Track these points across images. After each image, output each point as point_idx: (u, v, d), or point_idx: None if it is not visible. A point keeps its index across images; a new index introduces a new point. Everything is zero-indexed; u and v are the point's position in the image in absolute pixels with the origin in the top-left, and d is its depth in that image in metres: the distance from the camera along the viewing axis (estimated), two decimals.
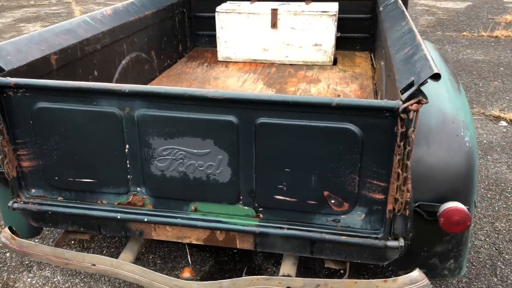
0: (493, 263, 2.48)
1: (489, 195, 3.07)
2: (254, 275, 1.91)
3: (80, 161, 1.80)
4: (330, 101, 1.50)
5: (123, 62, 2.74)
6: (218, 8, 3.42)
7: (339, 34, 3.50)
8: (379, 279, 1.70)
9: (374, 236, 1.69)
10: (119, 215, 1.85)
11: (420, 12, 9.21)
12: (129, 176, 1.79)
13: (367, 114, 1.51)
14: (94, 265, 1.85)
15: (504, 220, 2.83)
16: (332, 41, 3.33)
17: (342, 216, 1.70)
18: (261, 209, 1.75)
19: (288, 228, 1.75)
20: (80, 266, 1.88)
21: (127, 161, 1.76)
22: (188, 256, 2.12)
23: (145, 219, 1.83)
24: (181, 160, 1.71)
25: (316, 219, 1.73)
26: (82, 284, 2.37)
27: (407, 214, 1.64)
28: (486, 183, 3.21)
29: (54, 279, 2.41)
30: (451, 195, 1.71)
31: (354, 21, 3.57)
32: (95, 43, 2.40)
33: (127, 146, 1.73)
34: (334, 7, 3.36)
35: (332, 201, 1.68)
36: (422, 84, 1.44)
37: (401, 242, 1.67)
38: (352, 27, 3.60)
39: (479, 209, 2.92)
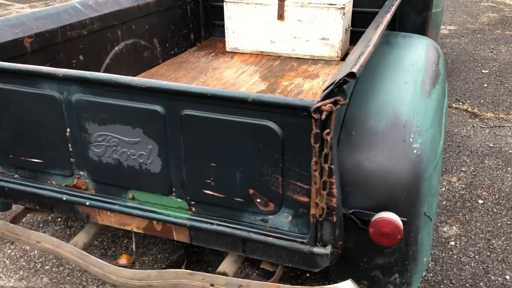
0: (475, 283, 2.28)
1: (495, 210, 2.82)
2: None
3: (30, 142, 1.85)
4: (246, 96, 1.43)
5: (116, 48, 2.79)
6: None
7: (350, 29, 3.35)
8: (305, 286, 1.62)
9: (301, 240, 1.60)
10: (65, 197, 1.89)
11: (485, 8, 8.61)
12: (72, 159, 1.82)
13: (285, 112, 1.43)
14: (39, 242, 1.92)
15: (503, 238, 2.59)
16: (339, 35, 3.19)
17: (270, 217, 1.63)
18: (193, 202, 1.72)
19: (217, 224, 1.70)
20: (28, 242, 1.95)
21: (69, 145, 1.79)
22: (133, 244, 2.12)
23: (87, 203, 1.86)
24: (115, 147, 1.72)
25: (245, 217, 1.67)
26: (54, 260, 2.47)
27: (334, 221, 1.54)
28: (497, 196, 2.96)
29: (31, 253, 2.53)
30: (389, 205, 1.59)
31: (370, 15, 3.40)
32: (80, 28, 2.47)
33: (68, 130, 1.76)
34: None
35: (258, 200, 1.61)
36: (340, 83, 1.34)
37: (328, 249, 1.57)
38: (368, 22, 3.43)
39: (478, 224, 2.70)
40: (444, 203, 2.89)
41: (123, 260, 1.85)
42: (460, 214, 2.79)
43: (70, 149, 1.80)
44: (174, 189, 1.72)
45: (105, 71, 2.72)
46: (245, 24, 3.40)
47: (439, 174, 1.86)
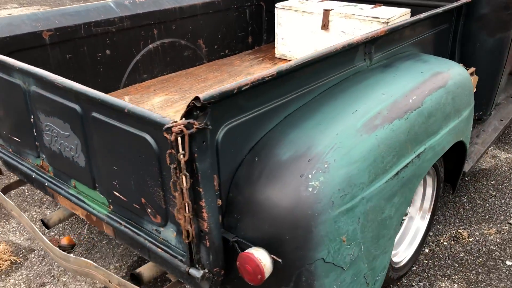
0: None
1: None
2: None
3: (12, 123, 2.12)
4: (124, 106, 1.45)
5: (150, 46, 2.98)
6: (277, 4, 3.34)
7: None
8: None
9: (180, 258, 1.57)
10: (34, 175, 2.13)
11: None
12: (36, 142, 2.04)
13: (154, 127, 1.42)
14: (11, 210, 2.19)
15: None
16: None
17: (161, 229, 1.63)
18: (110, 200, 1.80)
19: (125, 226, 1.76)
20: (6, 210, 2.23)
21: (33, 129, 2.01)
22: (85, 228, 2.27)
23: (46, 184, 2.07)
24: (56, 138, 1.88)
25: (145, 224, 1.69)
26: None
27: (208, 245, 1.48)
28: None
29: None
30: (272, 241, 1.47)
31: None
32: (108, 25, 2.69)
33: (31, 116, 1.98)
34: (393, 13, 2.94)
35: (149, 210, 1.62)
36: (195, 108, 1.28)
37: (200, 273, 1.52)
38: None
39: None
40: (461, 255, 2.50)
41: (64, 241, 2.02)
42: (474, 272, 2.38)
43: (34, 134, 2.02)
44: (96, 185, 1.82)
45: (134, 66, 2.93)
46: (293, 31, 3.32)
47: (371, 220, 1.63)
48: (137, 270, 1.85)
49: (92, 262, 1.78)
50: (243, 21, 3.58)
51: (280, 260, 1.45)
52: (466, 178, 3.20)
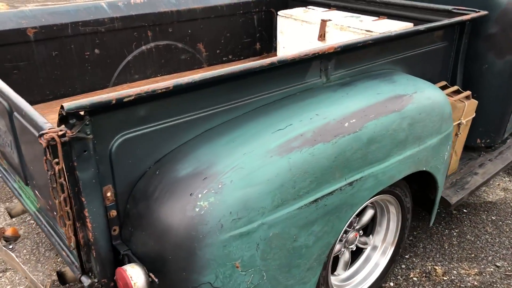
0: None
1: None
2: None
3: None
4: (22, 108, 1.47)
5: (143, 47, 3.01)
6: (280, 12, 3.26)
7: None
8: None
9: (75, 264, 1.57)
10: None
11: None
12: None
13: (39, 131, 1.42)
14: None
15: None
16: None
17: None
18: (36, 198, 1.84)
19: (44, 225, 1.79)
20: None
21: None
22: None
23: (1, 176, 2.15)
24: (1, 133, 1.95)
25: (56, 226, 1.71)
26: None
27: (94, 255, 1.47)
28: None
29: None
30: (155, 259, 1.43)
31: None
32: (97, 25, 2.76)
33: None
34: (391, 27, 2.76)
35: (54, 213, 1.63)
36: (72, 116, 1.27)
37: (88, 282, 1.50)
38: None
39: None
40: None
41: (9, 232, 2.09)
42: None
43: None
44: (28, 181, 1.86)
45: (125, 67, 2.98)
46: (293, 40, 3.22)
47: (276, 247, 1.54)
48: (64, 269, 1.87)
49: (15, 258, 1.82)
50: (250, 27, 3.53)
51: (156, 280, 1.40)
52: (465, 210, 2.95)
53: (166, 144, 1.56)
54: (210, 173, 1.46)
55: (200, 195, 1.41)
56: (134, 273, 1.39)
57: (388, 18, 2.99)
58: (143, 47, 3.02)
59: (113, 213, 1.49)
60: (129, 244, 1.52)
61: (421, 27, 2.21)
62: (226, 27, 3.39)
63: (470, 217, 2.89)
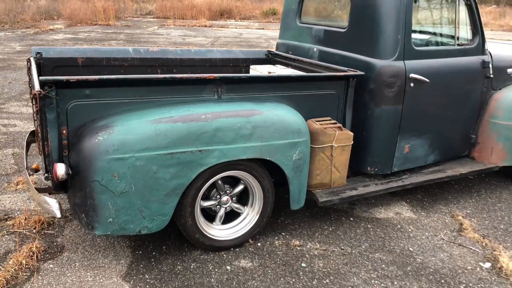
0: None
1: None
2: None
3: None
4: None
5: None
6: (252, 66, 4.58)
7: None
8: None
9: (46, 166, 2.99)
10: None
11: None
12: None
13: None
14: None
15: None
16: None
17: None
18: None
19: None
20: None
21: None
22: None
23: None
24: None
25: None
26: None
27: (51, 162, 2.88)
28: None
29: None
30: (78, 164, 2.80)
31: None
32: (122, 61, 4.34)
33: None
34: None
35: None
36: (48, 84, 2.72)
37: (46, 174, 2.90)
38: None
39: None
40: (279, 253, 3.31)
41: (34, 166, 3.58)
42: (274, 265, 3.20)
43: None
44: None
45: None
46: None
47: (141, 172, 2.81)
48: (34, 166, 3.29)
49: (30, 181, 3.27)
50: None
51: (70, 172, 2.76)
52: (351, 219, 3.88)
53: (99, 112, 2.94)
54: (110, 126, 2.81)
55: (100, 134, 2.76)
56: (60, 166, 2.76)
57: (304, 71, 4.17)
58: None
59: (65, 142, 2.88)
60: (69, 158, 2.89)
61: (294, 75, 3.41)
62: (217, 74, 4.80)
63: (350, 221, 3.82)
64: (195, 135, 2.92)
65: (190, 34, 17.34)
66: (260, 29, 20.57)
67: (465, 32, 4.16)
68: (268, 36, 17.51)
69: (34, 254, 3.14)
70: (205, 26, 21.07)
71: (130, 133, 2.80)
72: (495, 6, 34.38)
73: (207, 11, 24.31)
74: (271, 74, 3.76)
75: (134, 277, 3.00)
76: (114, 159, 2.75)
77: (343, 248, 3.43)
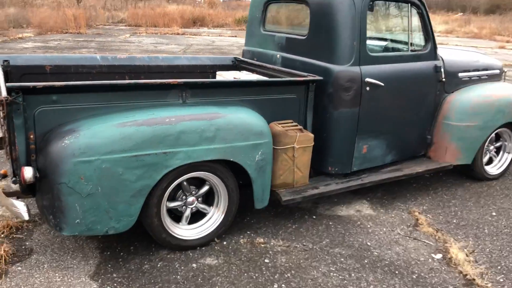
0: None
1: None
2: None
3: None
4: None
5: None
6: (218, 72, 4.74)
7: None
8: None
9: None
10: None
11: None
12: None
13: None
14: None
15: None
16: None
17: None
18: None
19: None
20: None
21: None
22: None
23: None
24: None
25: None
26: None
27: (19, 166, 2.96)
28: None
29: None
30: (45, 167, 2.89)
31: None
32: (90, 68, 4.43)
33: None
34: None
35: None
36: (14, 90, 2.81)
37: (14, 179, 2.98)
38: None
39: None
40: (244, 250, 3.46)
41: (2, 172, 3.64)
42: (239, 261, 3.34)
43: None
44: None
45: None
46: None
47: (107, 175, 2.92)
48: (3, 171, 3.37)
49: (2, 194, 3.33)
50: None
51: (37, 175, 2.85)
52: (314, 217, 4.06)
53: (65, 117, 3.03)
54: (76, 130, 2.91)
55: (67, 138, 2.87)
56: (27, 170, 2.84)
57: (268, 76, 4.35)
58: None
59: (32, 146, 2.97)
60: (37, 161, 2.98)
61: (256, 80, 3.58)
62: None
63: (313, 219, 4.00)
64: (160, 137, 3.05)
65: (162, 42, 17.42)
66: (233, 36, 20.81)
67: (418, 38, 4.41)
68: (240, 43, 17.71)
69: (2, 258, 3.20)
70: (178, 33, 21.18)
71: (96, 136, 2.91)
72: (461, 13, 35.58)
73: (180, 19, 24.44)
74: (235, 79, 3.92)
75: (102, 276, 3.10)
76: (80, 161, 2.85)
77: (305, 244, 3.60)
